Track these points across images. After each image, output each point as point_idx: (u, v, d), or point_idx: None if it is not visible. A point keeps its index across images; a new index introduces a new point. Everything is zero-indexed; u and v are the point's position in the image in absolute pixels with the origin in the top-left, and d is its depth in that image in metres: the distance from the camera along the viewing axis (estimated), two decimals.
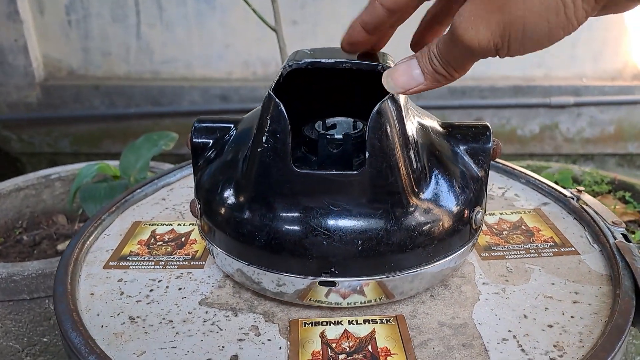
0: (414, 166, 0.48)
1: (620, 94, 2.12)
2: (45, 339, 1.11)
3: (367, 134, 0.45)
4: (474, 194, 0.51)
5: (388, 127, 0.46)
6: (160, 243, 0.63)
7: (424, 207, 0.48)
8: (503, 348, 0.46)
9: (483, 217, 0.53)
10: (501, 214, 0.67)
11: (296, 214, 0.47)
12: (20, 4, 2.02)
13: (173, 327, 0.50)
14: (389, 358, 0.46)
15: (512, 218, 0.66)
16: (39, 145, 2.20)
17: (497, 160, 0.78)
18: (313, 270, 0.48)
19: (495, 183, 0.75)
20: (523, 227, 0.64)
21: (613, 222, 0.61)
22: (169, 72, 2.18)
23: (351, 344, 0.47)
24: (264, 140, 0.47)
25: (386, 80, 0.44)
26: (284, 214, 0.48)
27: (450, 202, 0.50)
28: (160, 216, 0.69)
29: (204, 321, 0.51)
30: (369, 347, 0.47)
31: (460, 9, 0.38)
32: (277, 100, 0.46)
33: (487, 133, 0.53)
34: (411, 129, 0.49)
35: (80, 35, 2.13)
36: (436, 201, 0.49)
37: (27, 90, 2.13)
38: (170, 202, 0.72)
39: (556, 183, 0.81)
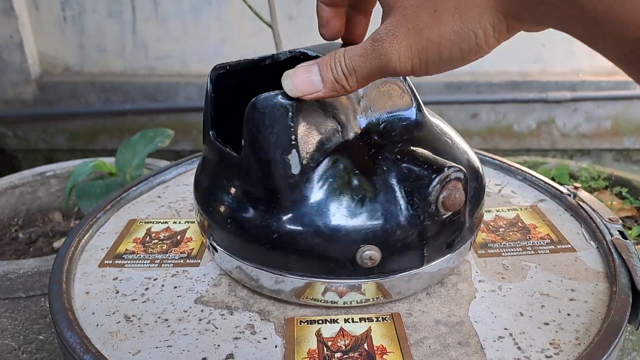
0: (293, 171, 0.45)
1: (616, 89, 2.12)
2: (41, 337, 1.10)
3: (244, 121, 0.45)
4: (368, 230, 0.45)
5: (262, 122, 0.44)
6: (155, 241, 0.62)
7: (290, 215, 0.46)
8: (499, 346, 0.46)
9: (376, 261, 0.46)
10: (497, 210, 0.67)
11: (211, 182, 0.52)
12: (15, 0, 2.01)
13: (168, 326, 0.50)
14: (384, 356, 0.45)
15: (509, 215, 0.66)
16: (35, 141, 2.19)
17: (494, 156, 0.78)
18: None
19: (492, 180, 0.75)
20: (519, 224, 0.64)
21: (609, 219, 0.61)
22: (164, 67, 2.17)
23: (347, 342, 0.47)
24: (205, 111, 0.51)
25: (285, 82, 0.43)
26: (209, 183, 0.53)
27: (327, 225, 0.45)
28: (156, 214, 0.69)
29: (200, 320, 0.50)
30: (365, 345, 0.47)
31: (382, 25, 0.38)
32: (211, 74, 0.50)
33: (434, 176, 0.44)
34: (312, 133, 0.46)
35: (75, 31, 2.12)
36: (307, 216, 0.46)
37: (23, 86, 2.13)
38: (166, 200, 0.72)
39: (553, 179, 0.81)
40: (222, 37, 2.11)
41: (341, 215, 0.45)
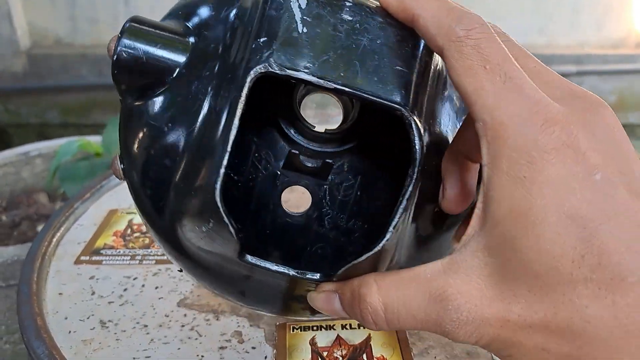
0: None
1: (622, 63, 2.07)
2: None
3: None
4: None
5: None
6: (137, 234, 0.58)
7: None
8: None
9: None
10: None
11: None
12: None
13: (148, 333, 0.45)
14: None
15: None
16: (26, 116, 2.14)
17: None
18: None
19: None
20: None
21: None
22: None
23: (344, 352, 0.43)
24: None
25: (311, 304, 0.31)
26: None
27: None
28: None
29: (182, 326, 0.46)
30: (364, 355, 0.43)
31: (459, 283, 0.24)
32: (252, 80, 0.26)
33: None
34: None
35: (66, 1, 2.06)
36: None
37: (13, 59, 2.07)
38: None
39: None
40: None
41: None
